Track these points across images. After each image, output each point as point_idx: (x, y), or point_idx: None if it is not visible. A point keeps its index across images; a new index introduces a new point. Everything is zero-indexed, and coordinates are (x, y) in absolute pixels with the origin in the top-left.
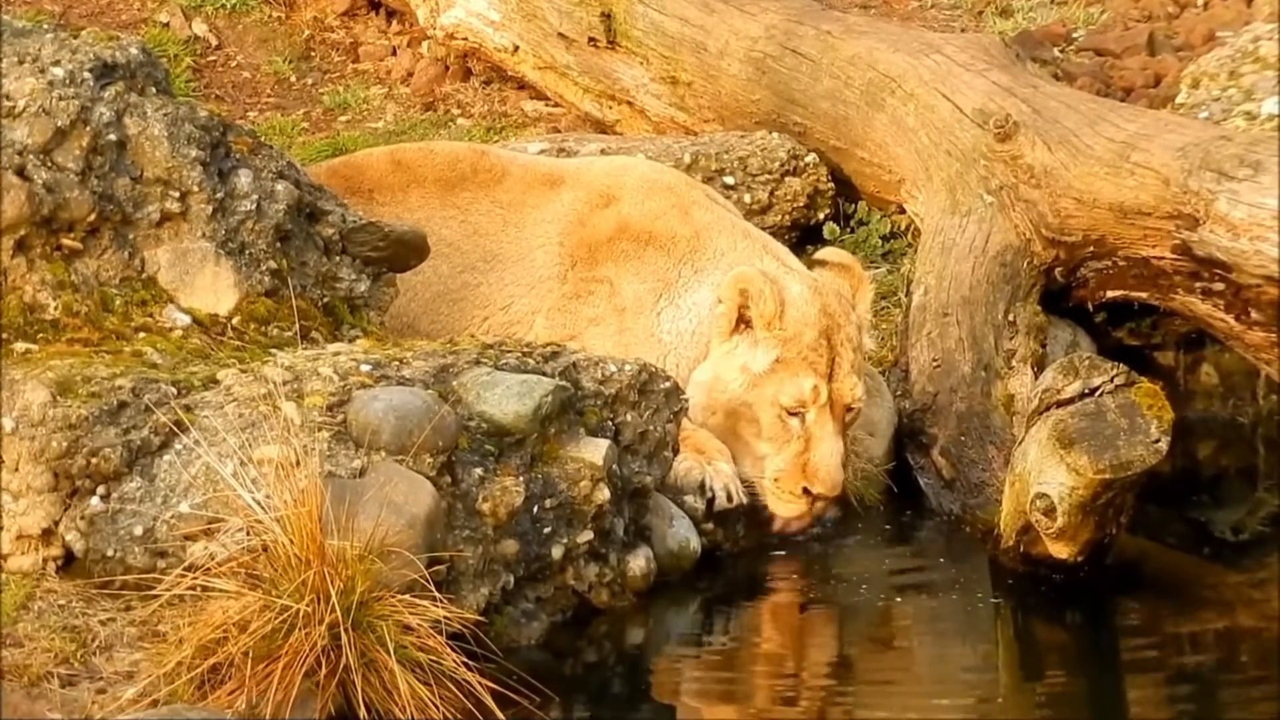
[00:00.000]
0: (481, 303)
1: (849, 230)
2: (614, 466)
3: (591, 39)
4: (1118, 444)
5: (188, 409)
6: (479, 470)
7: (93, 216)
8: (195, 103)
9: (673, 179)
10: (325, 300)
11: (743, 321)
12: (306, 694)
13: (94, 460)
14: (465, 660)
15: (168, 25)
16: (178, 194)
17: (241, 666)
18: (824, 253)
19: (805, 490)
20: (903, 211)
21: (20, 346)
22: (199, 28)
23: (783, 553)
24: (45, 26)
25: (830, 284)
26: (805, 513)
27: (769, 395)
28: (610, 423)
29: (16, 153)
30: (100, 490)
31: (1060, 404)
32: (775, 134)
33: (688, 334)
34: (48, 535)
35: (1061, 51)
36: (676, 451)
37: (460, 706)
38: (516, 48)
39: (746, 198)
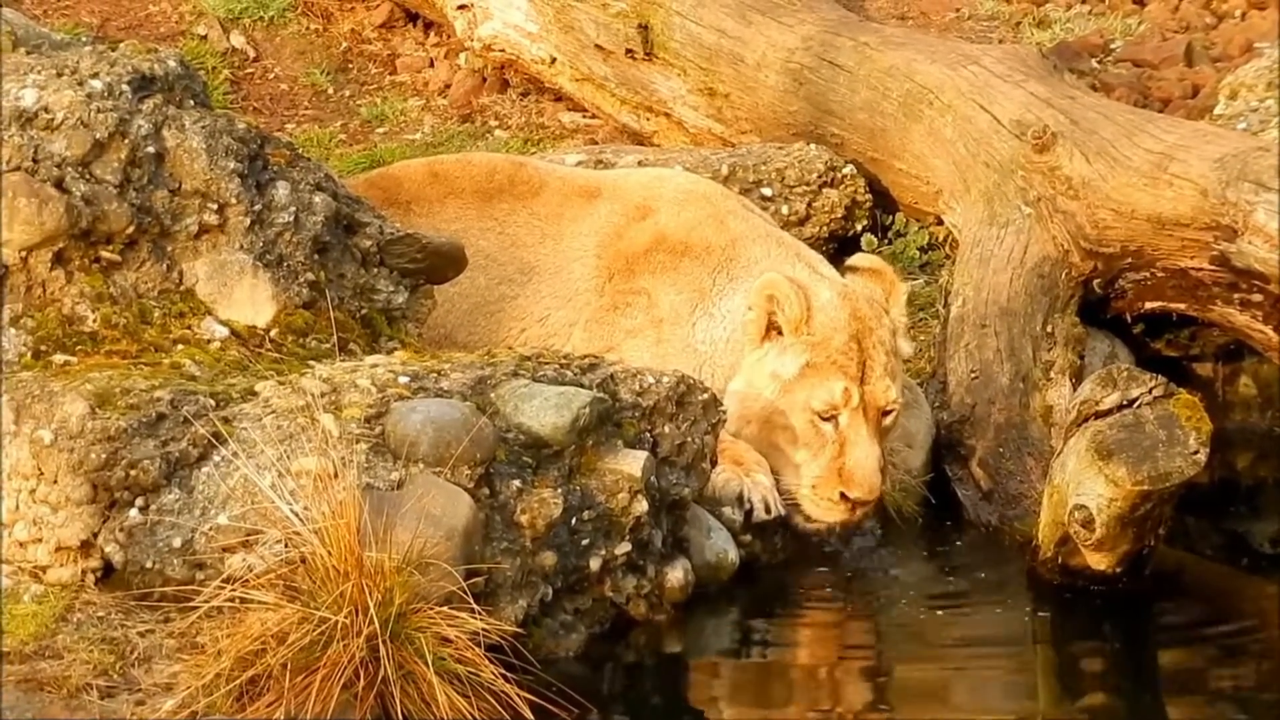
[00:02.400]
0: (519, 314)
1: (887, 241)
2: (652, 478)
3: (629, 50)
4: (1156, 455)
5: (226, 421)
6: (517, 482)
7: (131, 229)
8: (233, 115)
9: (708, 189)
10: (363, 312)
11: (772, 328)
12: (345, 706)
13: (133, 472)
14: (503, 672)
15: (205, 38)
16: (216, 206)
17: (280, 678)
18: (855, 259)
19: (843, 495)
20: (940, 223)
21: (59, 358)
22: (236, 40)
23: (822, 567)
24: (83, 39)
25: (861, 289)
26: (847, 519)
27: (800, 401)
28: (648, 434)
29: (55, 165)
30: (139, 502)
31: (1099, 415)
32: (813, 145)
33: (722, 342)
34: (86, 547)
35: (1099, 62)
36: (714, 463)
37: (498, 718)
38: (554, 59)
39: (784, 209)
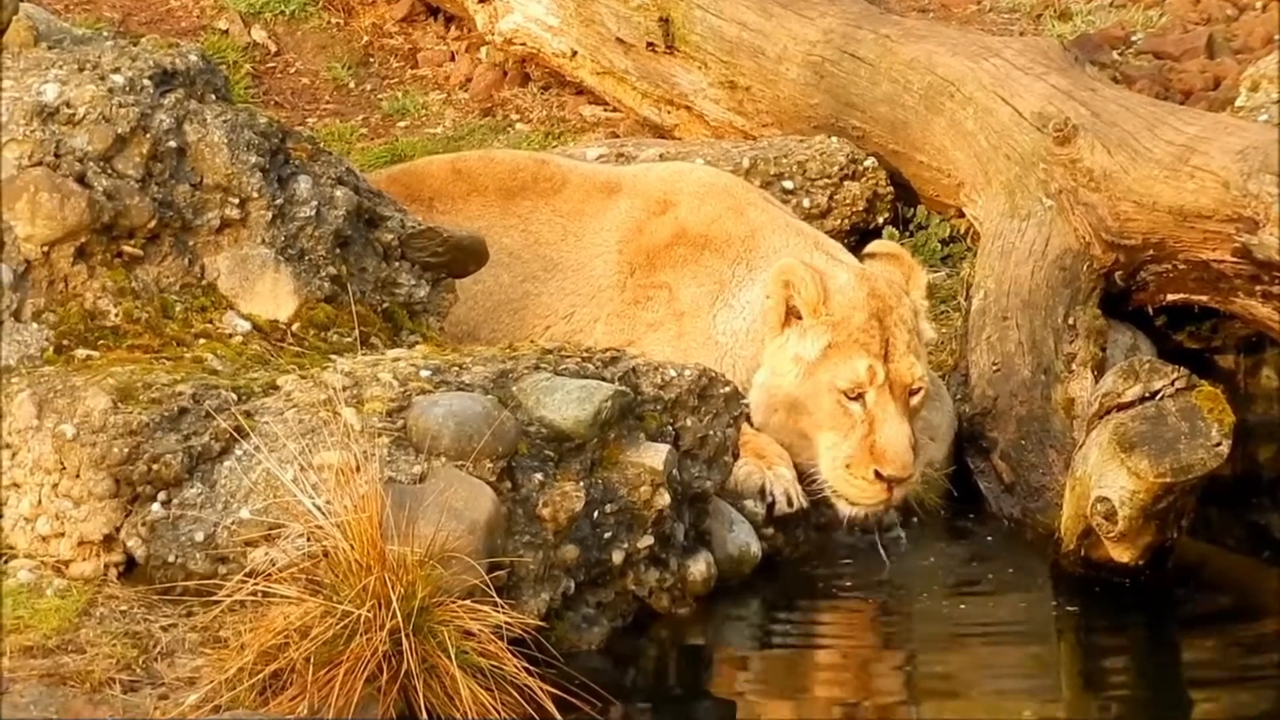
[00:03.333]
0: (543, 311)
1: (908, 234)
2: (674, 471)
3: (650, 44)
4: (1178, 447)
5: (248, 415)
6: (539, 475)
7: (153, 223)
8: (255, 109)
9: (728, 181)
10: (385, 306)
11: (791, 314)
12: (368, 699)
13: (155, 466)
14: (526, 665)
15: (227, 32)
16: (237, 200)
17: (303, 672)
18: (873, 245)
19: (877, 475)
20: (962, 215)
21: (81, 353)
22: (258, 34)
23: (843, 558)
24: (105, 34)
25: (880, 271)
26: (883, 499)
27: (825, 382)
28: (670, 428)
29: (77, 160)
30: (161, 496)
31: (1121, 407)
32: (834, 138)
33: (742, 333)
34: (109, 541)
35: (1120, 54)
36: (736, 456)
37: (521, 711)
38: (575, 53)
39: (805, 202)
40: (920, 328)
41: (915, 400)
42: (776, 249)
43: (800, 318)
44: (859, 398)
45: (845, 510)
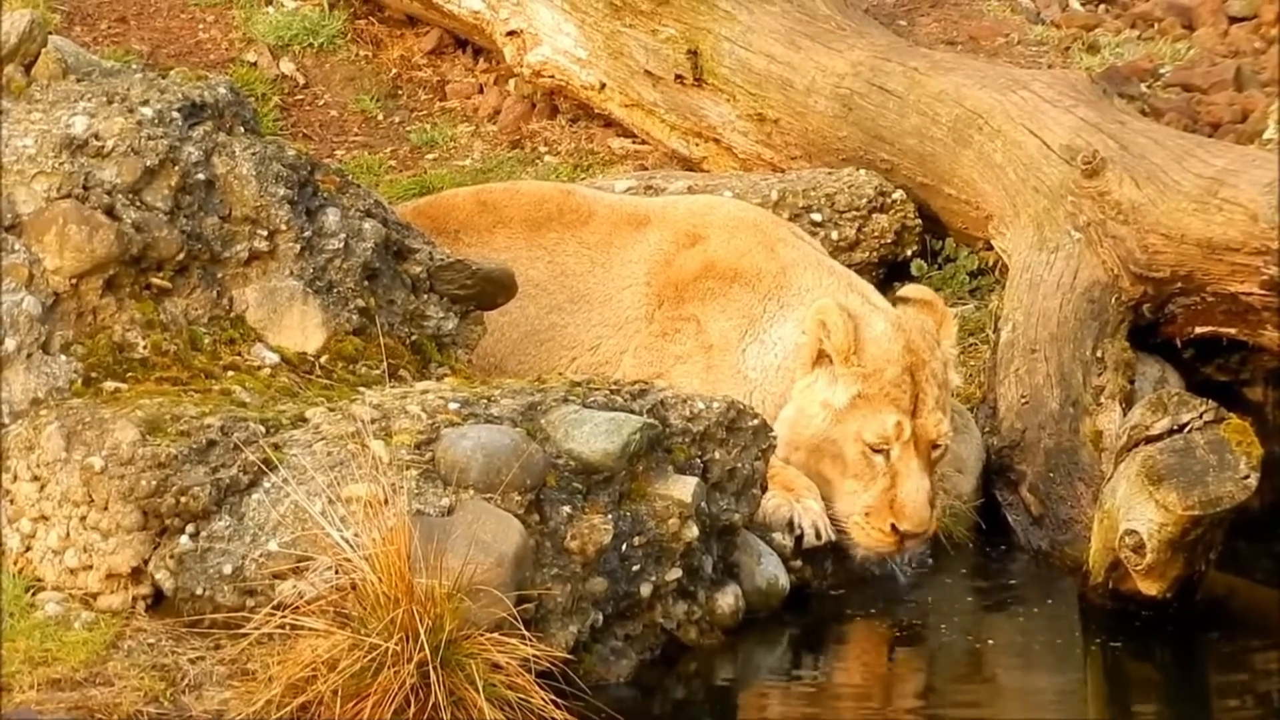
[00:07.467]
0: (569, 343)
1: (937, 267)
2: (702, 504)
3: (678, 76)
4: (1207, 480)
5: (276, 447)
6: (567, 508)
7: (181, 255)
8: (283, 141)
9: (758, 216)
10: (413, 338)
11: (824, 355)
12: None
13: (183, 499)
14: (554, 698)
15: (255, 64)
16: (266, 233)
17: (331, 705)
18: (906, 290)
19: (893, 527)
20: (990, 248)
21: (109, 385)
22: (286, 67)
23: (871, 590)
24: (134, 66)
25: (914, 321)
26: (895, 551)
27: (852, 431)
28: (698, 460)
29: (105, 192)
30: (189, 529)
31: (1149, 440)
32: (862, 170)
33: (772, 369)
34: (137, 574)
35: (1148, 87)
36: (764, 489)
37: None
38: (603, 85)
39: (834, 234)
40: (948, 379)
41: (937, 454)
42: (809, 287)
43: (832, 360)
44: (884, 451)
45: (856, 552)
